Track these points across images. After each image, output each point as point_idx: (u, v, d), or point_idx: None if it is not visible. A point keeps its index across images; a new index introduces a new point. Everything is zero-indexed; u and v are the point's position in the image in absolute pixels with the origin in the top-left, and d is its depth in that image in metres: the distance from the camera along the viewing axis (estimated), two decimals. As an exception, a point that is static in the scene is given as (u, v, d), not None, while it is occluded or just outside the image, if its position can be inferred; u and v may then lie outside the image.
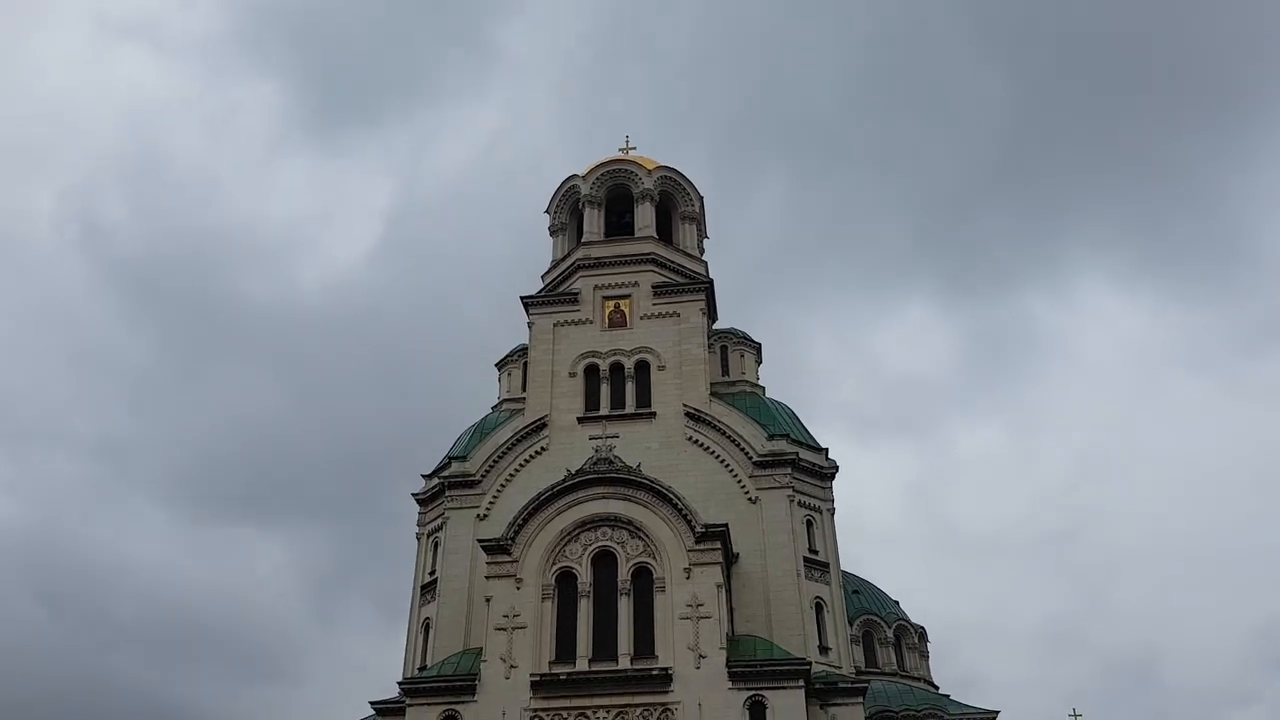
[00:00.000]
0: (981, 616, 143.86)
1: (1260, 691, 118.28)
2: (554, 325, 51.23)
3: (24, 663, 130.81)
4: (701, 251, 56.63)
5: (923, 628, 62.76)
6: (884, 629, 59.10)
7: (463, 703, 38.94)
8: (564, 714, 38.47)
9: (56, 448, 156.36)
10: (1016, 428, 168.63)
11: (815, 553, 45.92)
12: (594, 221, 54.55)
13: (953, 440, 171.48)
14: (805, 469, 47.38)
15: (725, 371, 53.70)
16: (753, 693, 37.88)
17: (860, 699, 40.51)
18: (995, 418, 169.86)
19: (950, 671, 78.64)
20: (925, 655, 62.07)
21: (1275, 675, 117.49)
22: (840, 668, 43.53)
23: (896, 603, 63.21)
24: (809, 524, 46.55)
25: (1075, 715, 43.73)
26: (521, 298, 52.58)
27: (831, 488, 48.60)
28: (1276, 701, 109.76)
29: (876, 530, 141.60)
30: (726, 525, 41.89)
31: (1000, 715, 46.03)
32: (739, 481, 46.43)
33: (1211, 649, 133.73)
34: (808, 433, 50.27)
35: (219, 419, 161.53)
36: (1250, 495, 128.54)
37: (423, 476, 51.62)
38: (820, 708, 39.63)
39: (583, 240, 54.24)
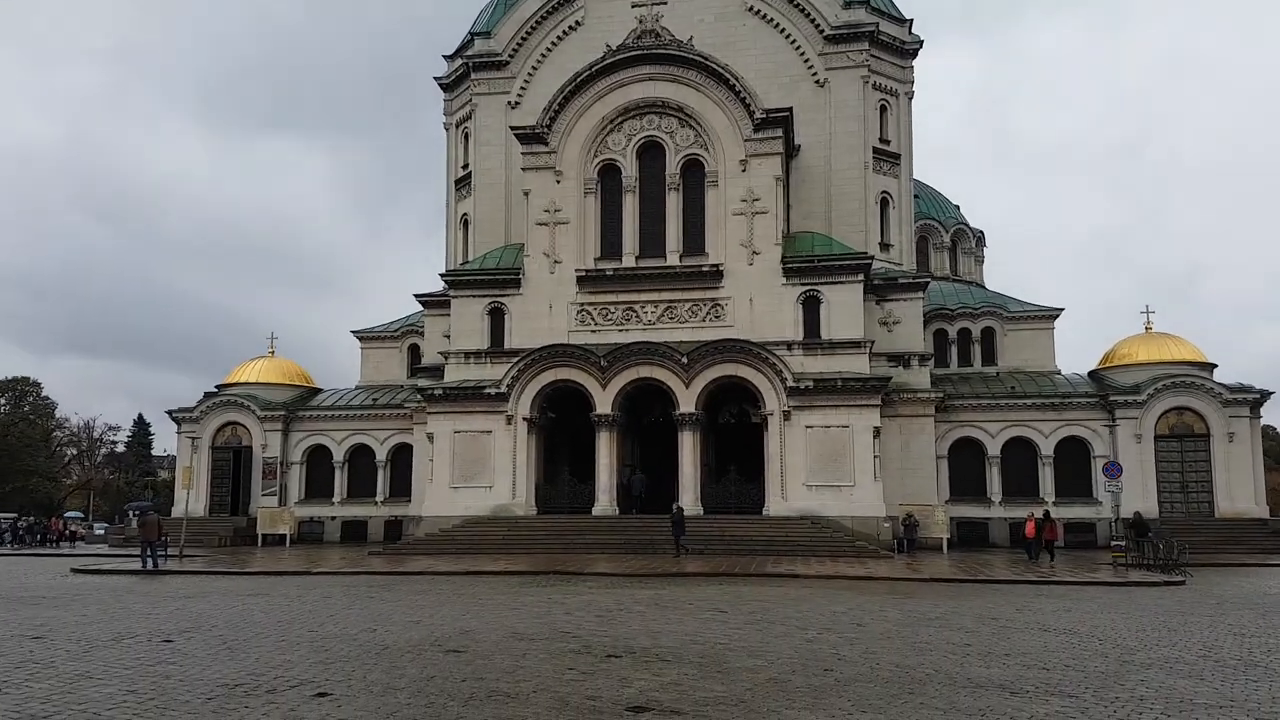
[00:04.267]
0: (1034, 229, 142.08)
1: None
2: None
3: (94, 279, 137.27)
4: None
5: (981, 232, 60.33)
6: (941, 233, 56.56)
7: (508, 296, 37.77)
8: (610, 308, 37.23)
9: (74, 61, 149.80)
10: (1098, 23, 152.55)
11: (886, 143, 41.44)
12: None
13: (1026, 40, 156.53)
14: (884, 44, 41.12)
15: (792, -80, 45.08)
16: (807, 288, 35.96)
17: (921, 294, 38.69)
18: (1076, 10, 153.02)
19: (1001, 282, 77.85)
20: (981, 261, 60.21)
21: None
22: (901, 264, 41.30)
23: (957, 207, 60.16)
24: (882, 109, 41.50)
25: (1148, 312, 41.68)
26: None
27: (912, 68, 42.61)
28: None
29: (935, 138, 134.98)
30: (790, 110, 37.18)
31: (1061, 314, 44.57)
32: (805, 61, 40.67)
33: (1253, 267, 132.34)
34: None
35: (232, 25, 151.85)
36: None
37: (444, 58, 46.22)
38: (877, 303, 37.97)
39: None
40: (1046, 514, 31.47)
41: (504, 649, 11.84)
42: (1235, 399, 37.55)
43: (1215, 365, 40.25)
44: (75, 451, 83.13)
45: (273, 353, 48.16)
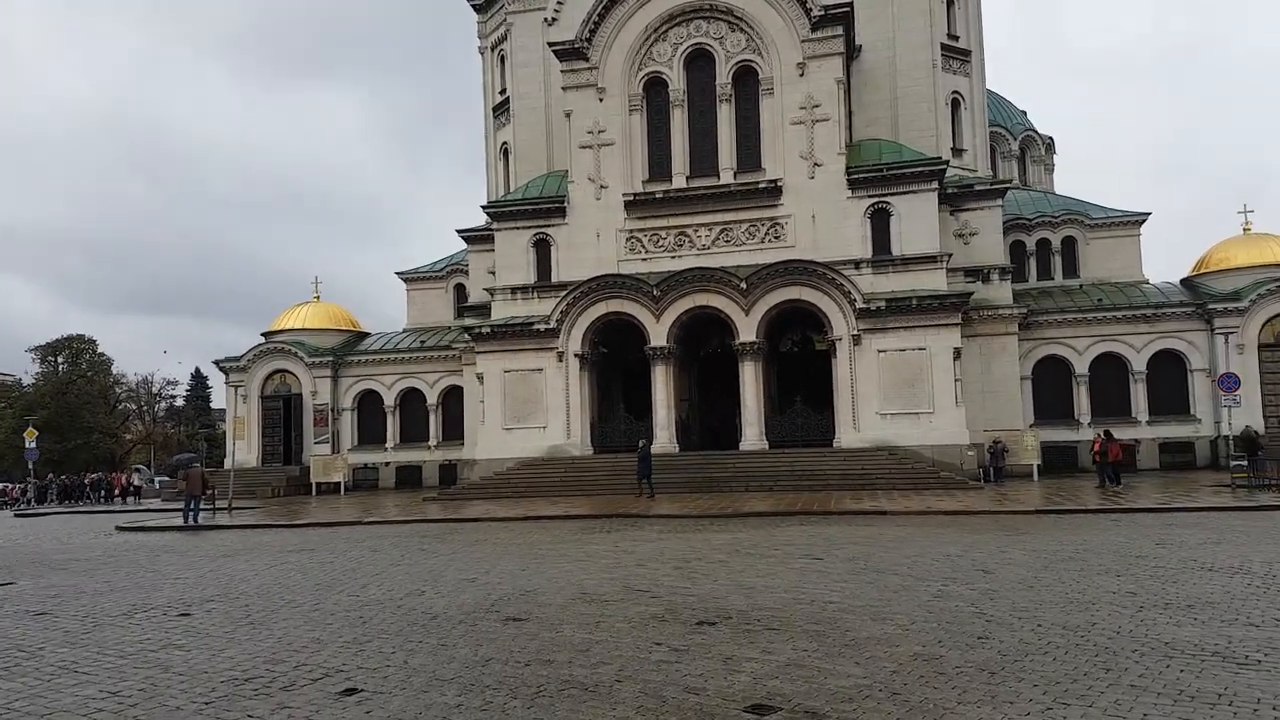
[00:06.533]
0: (1099, 139, 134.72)
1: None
2: None
3: (145, 238, 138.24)
4: None
5: (1051, 138, 56.32)
6: (1009, 141, 52.79)
7: (553, 226, 35.56)
8: (661, 234, 34.83)
9: (111, 19, 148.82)
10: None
11: (955, 38, 37.85)
12: None
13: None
14: (949, -72, 37.36)
15: None
16: (875, 200, 33.07)
17: (999, 201, 35.53)
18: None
19: (1072, 193, 73.14)
20: (1051, 170, 56.37)
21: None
22: (975, 170, 38.02)
23: (1024, 112, 56.09)
24: (949, 2, 37.80)
25: (1246, 211, 38.13)
26: None
27: (983, -48, 38.83)
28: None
29: (989, 42, 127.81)
30: (850, 5, 33.87)
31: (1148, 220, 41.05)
32: (864, -50, 37.04)
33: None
34: None
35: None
36: None
37: (475, -26, 43.44)
38: (951, 214, 34.96)
39: None
40: (1108, 433, 28.66)
41: (573, 616, 9.96)
42: (1355, 301, 34.07)
43: (1326, 266, 36.58)
44: (135, 407, 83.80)
45: (318, 297, 46.79)
